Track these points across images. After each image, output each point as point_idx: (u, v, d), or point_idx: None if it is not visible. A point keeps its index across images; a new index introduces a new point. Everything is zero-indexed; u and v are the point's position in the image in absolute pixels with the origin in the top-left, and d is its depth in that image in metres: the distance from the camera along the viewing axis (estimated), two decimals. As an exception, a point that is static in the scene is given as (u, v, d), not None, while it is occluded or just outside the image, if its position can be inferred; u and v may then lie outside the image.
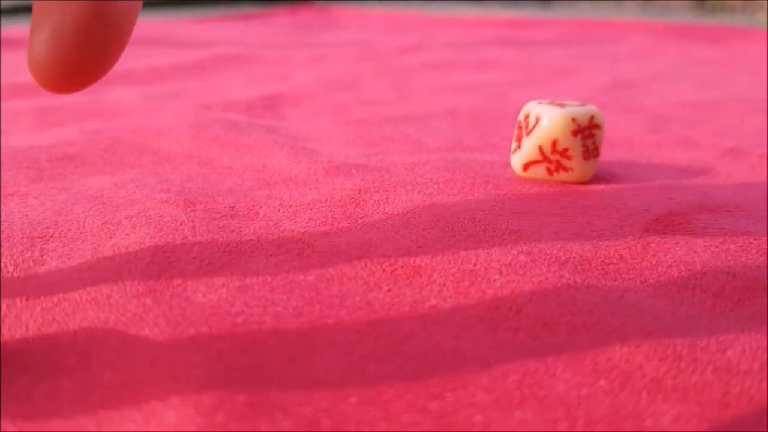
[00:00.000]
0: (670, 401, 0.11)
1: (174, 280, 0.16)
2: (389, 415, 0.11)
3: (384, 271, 0.16)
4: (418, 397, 0.12)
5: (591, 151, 0.22)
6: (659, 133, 0.32)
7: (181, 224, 0.19)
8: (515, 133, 0.24)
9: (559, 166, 0.23)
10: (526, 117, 0.23)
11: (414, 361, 0.13)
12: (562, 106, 0.23)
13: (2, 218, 0.19)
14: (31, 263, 0.17)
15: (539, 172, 0.23)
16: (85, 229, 0.19)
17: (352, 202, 0.21)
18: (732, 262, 0.16)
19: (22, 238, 0.18)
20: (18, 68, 0.46)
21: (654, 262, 0.16)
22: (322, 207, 0.20)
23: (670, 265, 0.16)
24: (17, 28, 0.71)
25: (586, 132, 0.22)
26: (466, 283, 0.15)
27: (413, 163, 0.24)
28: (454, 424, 0.11)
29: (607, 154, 0.27)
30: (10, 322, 0.14)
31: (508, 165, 0.25)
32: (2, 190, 0.22)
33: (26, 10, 0.97)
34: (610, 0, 1.27)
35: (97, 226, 0.19)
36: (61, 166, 0.24)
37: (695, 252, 0.17)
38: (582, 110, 0.22)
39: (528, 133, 0.23)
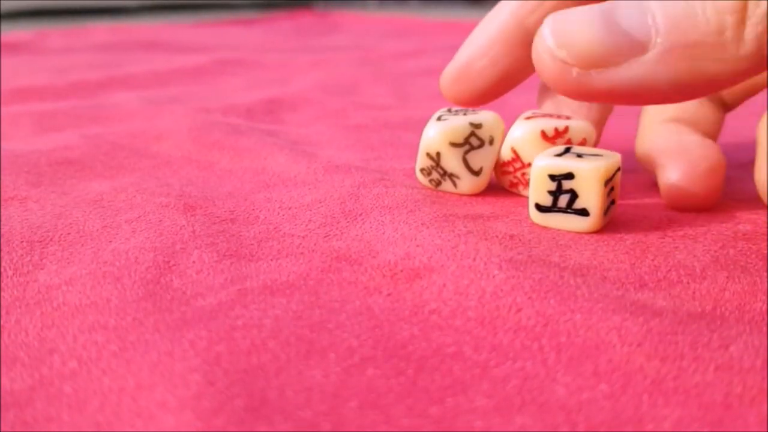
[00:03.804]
0: (672, 404, 0.11)
1: (173, 284, 0.16)
2: (389, 419, 0.11)
3: (384, 275, 0.16)
4: (418, 402, 0.12)
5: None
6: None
7: (180, 228, 0.19)
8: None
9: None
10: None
11: (414, 365, 0.13)
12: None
13: (2, 222, 0.19)
14: (30, 267, 0.17)
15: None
16: (85, 233, 0.19)
17: (351, 198, 0.21)
18: (732, 267, 0.16)
19: (22, 242, 0.18)
20: (18, 73, 0.46)
21: (653, 266, 0.16)
22: (321, 207, 0.20)
23: (670, 270, 0.16)
24: (17, 32, 0.71)
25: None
26: (466, 282, 0.15)
27: (412, 168, 0.24)
28: (454, 429, 0.11)
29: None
30: (10, 326, 0.14)
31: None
32: (2, 194, 0.22)
33: (27, 14, 0.97)
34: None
35: (97, 230, 0.19)
36: (61, 170, 0.24)
37: (695, 256, 0.17)
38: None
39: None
